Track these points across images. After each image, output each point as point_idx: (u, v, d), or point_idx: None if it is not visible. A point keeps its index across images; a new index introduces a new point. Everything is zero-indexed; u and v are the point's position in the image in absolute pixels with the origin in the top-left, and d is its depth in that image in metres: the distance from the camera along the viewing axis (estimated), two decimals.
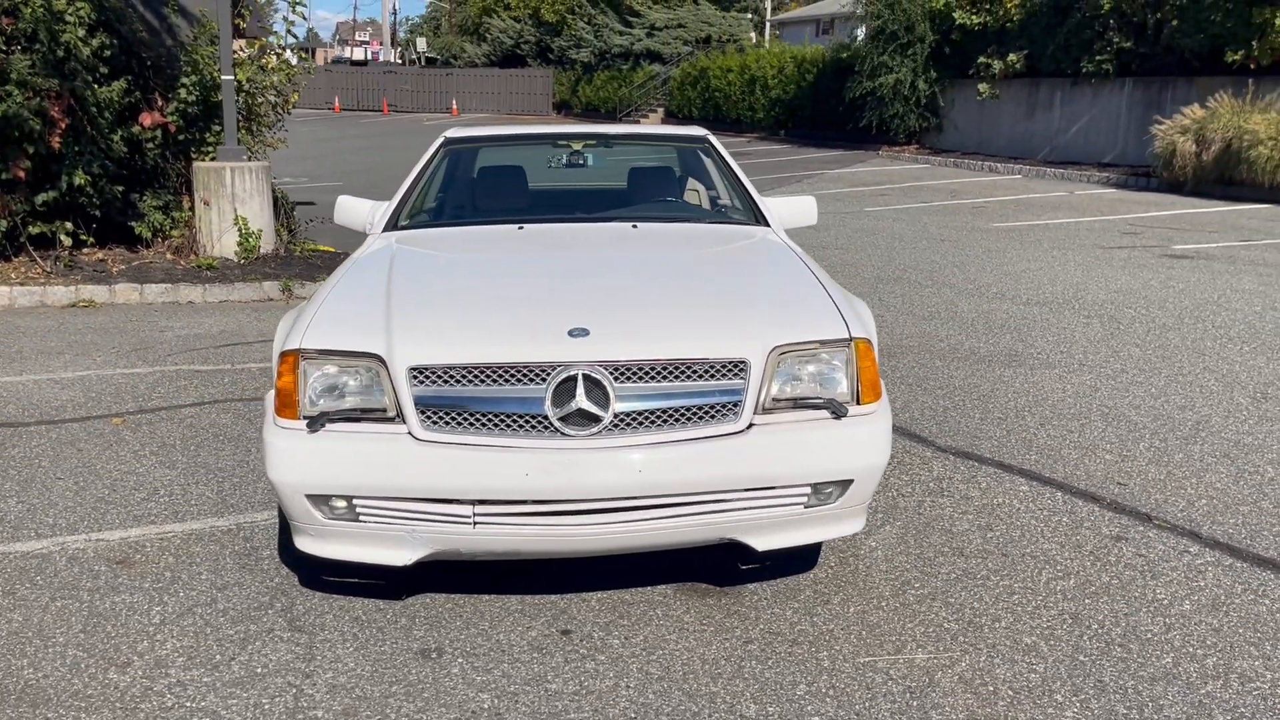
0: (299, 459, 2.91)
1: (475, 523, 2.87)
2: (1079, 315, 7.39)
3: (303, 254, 9.43)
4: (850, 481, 3.03)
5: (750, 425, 2.94)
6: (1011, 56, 20.06)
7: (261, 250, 9.11)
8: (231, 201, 8.92)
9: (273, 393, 3.07)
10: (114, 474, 4.36)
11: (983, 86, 21.02)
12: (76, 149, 8.23)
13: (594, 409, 2.85)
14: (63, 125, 8.06)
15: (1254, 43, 15.29)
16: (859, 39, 25.08)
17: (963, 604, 3.24)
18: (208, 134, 9.33)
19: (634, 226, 4.33)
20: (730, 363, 2.95)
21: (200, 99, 9.07)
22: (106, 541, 3.70)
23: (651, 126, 6.45)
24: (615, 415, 2.86)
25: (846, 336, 3.08)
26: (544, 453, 2.82)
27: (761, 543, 3.04)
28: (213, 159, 9.10)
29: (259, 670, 2.87)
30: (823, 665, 2.90)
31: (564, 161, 5.32)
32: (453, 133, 5.10)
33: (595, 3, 41.02)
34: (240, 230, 8.93)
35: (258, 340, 6.81)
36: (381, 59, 66.33)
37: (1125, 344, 6.56)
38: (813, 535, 3.13)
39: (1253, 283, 8.55)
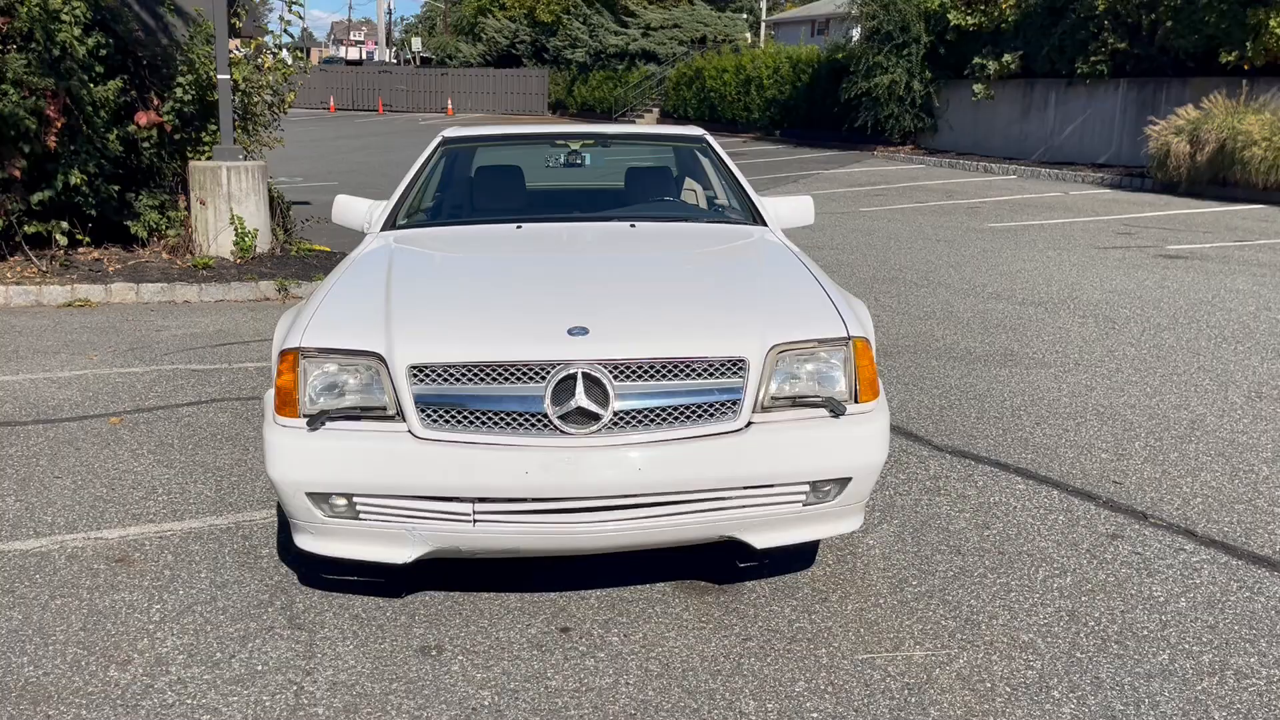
0: (299, 457, 2.92)
1: (475, 521, 2.88)
2: (1074, 315, 7.42)
3: (298, 253, 9.43)
4: (848, 480, 3.04)
5: (749, 424, 2.95)
6: (1006, 57, 20.11)
7: (257, 250, 9.11)
8: (227, 201, 8.92)
9: (272, 391, 3.07)
10: (112, 473, 4.37)
11: (978, 87, 21.07)
12: (72, 148, 8.23)
13: (593, 407, 2.86)
14: (58, 124, 8.06)
15: (1248, 44, 15.35)
16: (854, 39, 25.11)
17: (960, 601, 3.26)
18: (204, 133, 9.33)
19: (632, 226, 4.35)
20: (729, 361, 2.97)
21: (196, 98, 9.06)
22: (105, 540, 3.70)
23: (649, 126, 6.46)
24: (615, 413, 2.87)
25: (845, 335, 3.10)
26: (544, 451, 2.83)
27: (760, 540, 3.05)
28: (209, 158, 9.09)
29: (259, 667, 2.87)
30: (821, 662, 2.92)
31: (562, 161, 5.33)
32: (451, 132, 5.10)
33: (590, 3, 41.03)
34: (236, 230, 8.93)
35: (254, 339, 6.81)
36: (376, 59, 66.23)
37: (1120, 344, 6.59)
38: (811, 533, 3.14)
39: (1247, 283, 8.58)
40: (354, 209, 4.67)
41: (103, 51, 8.36)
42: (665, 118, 34.91)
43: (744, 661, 2.92)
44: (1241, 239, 11.02)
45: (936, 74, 21.96)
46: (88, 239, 8.81)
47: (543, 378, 2.88)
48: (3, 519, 3.88)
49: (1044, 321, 7.22)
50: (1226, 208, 13.50)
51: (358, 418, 2.96)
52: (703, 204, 5.18)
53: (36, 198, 8.22)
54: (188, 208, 9.12)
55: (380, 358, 2.96)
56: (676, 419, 2.92)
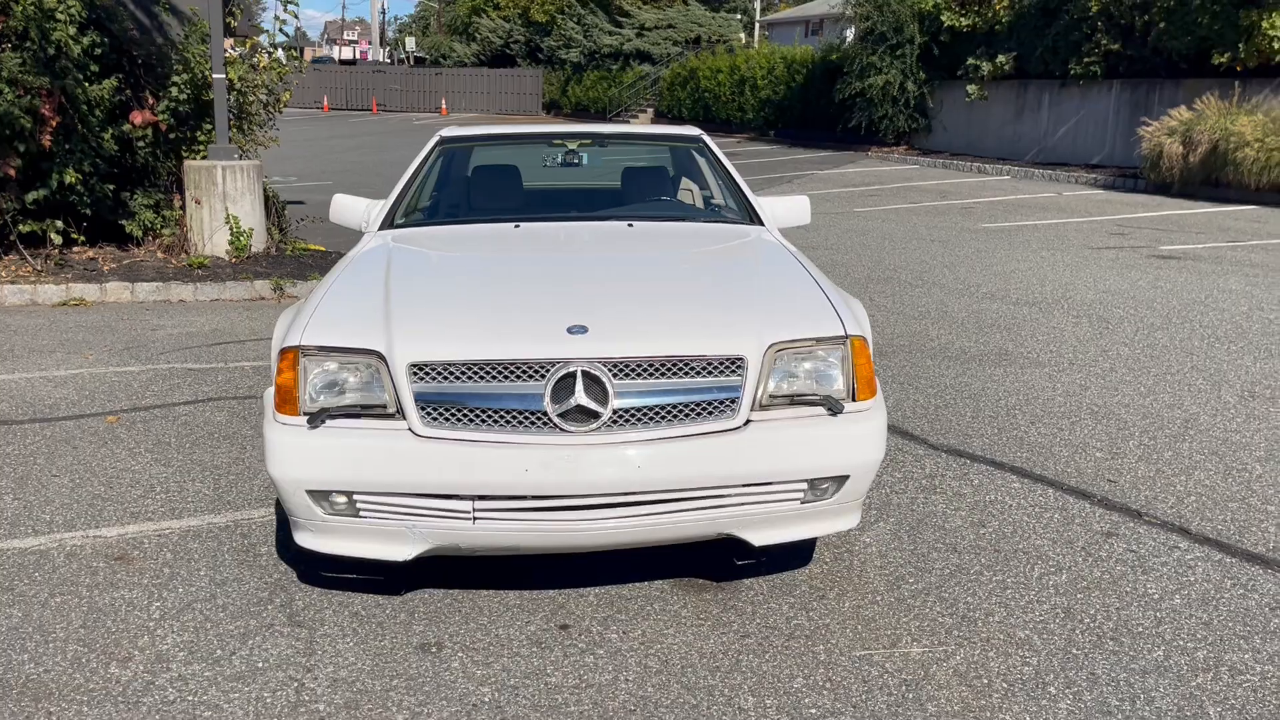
0: (299, 454, 2.93)
1: (475, 518, 2.90)
2: (1068, 315, 7.45)
3: (294, 253, 9.43)
4: (846, 477, 3.06)
5: (747, 422, 2.97)
6: (1000, 58, 20.16)
7: (253, 249, 9.10)
8: (223, 200, 8.91)
9: (272, 389, 3.08)
10: (110, 471, 4.37)
11: (971, 88, 21.12)
12: (67, 147, 8.22)
13: (593, 405, 2.87)
14: (53, 123, 8.05)
15: (1241, 45, 15.41)
16: (848, 40, 25.16)
17: (957, 599, 3.28)
18: (199, 132, 9.33)
19: (630, 225, 4.36)
20: (728, 360, 2.98)
21: (191, 97, 9.06)
22: (104, 538, 3.71)
23: (646, 126, 6.47)
24: (614, 411, 2.89)
25: (842, 334, 3.12)
26: (543, 449, 2.85)
27: (758, 538, 3.07)
28: (204, 158, 9.09)
29: (260, 665, 2.88)
30: (819, 659, 2.93)
31: (559, 161, 5.34)
32: (448, 132, 5.11)
33: (585, 3, 41.04)
34: (231, 229, 8.92)
35: (250, 339, 6.81)
36: (370, 58, 66.16)
37: (1114, 343, 6.62)
38: (809, 531, 3.16)
39: (1239, 283, 8.63)
40: (352, 208, 4.67)
41: (98, 50, 8.35)
42: (660, 118, 34.93)
43: (742, 658, 2.94)
44: (1234, 240, 11.07)
45: (930, 75, 22.00)
46: (83, 238, 8.80)
47: (542, 376, 2.89)
48: (1, 517, 3.88)
49: (1038, 321, 7.25)
50: (1219, 208, 13.56)
51: (358, 415, 2.97)
52: (699, 204, 5.20)
53: (31, 197, 8.21)
54: (183, 207, 9.11)
55: (380, 356, 2.97)
56: (675, 417, 2.93)
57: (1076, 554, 3.60)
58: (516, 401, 2.89)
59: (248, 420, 5.06)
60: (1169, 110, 15.59)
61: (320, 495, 2.94)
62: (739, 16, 39.24)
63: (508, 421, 2.89)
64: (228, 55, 9.32)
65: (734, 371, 2.98)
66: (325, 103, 45.39)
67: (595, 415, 2.88)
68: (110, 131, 8.58)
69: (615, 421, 2.89)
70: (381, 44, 67.46)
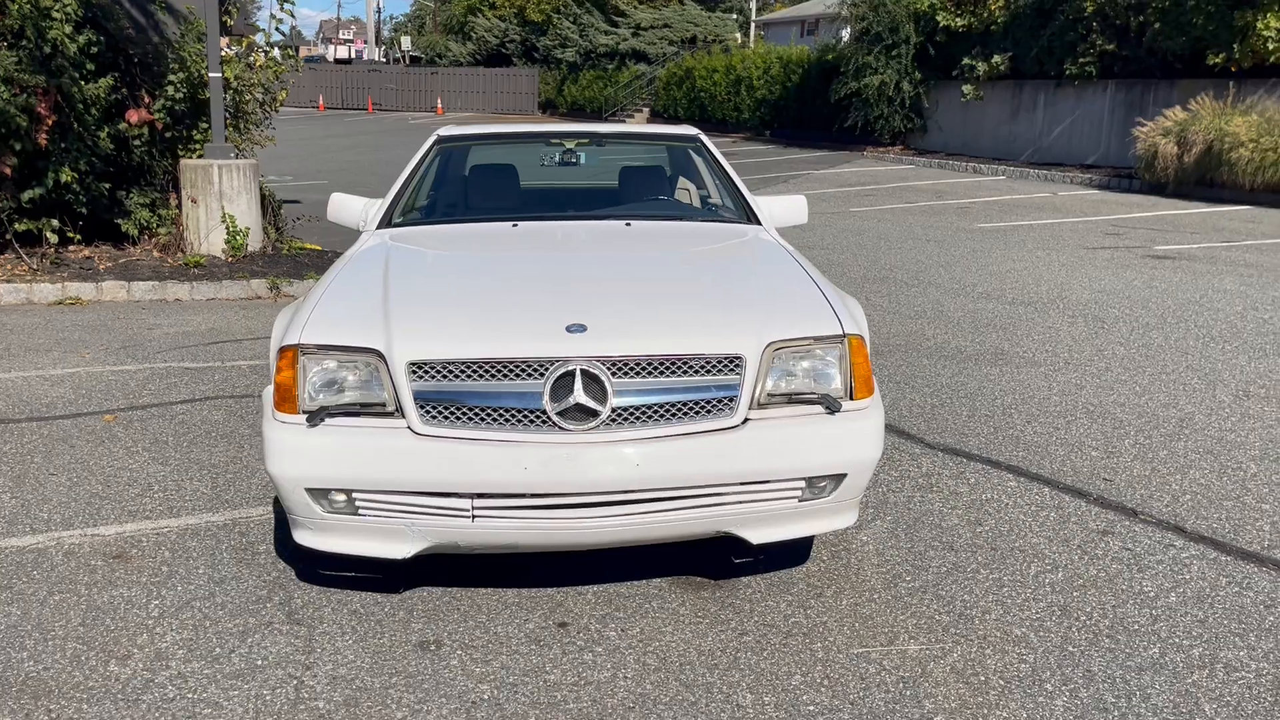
0: (299, 453, 2.93)
1: (474, 516, 2.90)
2: (1064, 315, 7.47)
3: (290, 252, 9.43)
4: (844, 476, 3.07)
5: (746, 420, 2.98)
6: (995, 58, 20.20)
7: (249, 248, 9.10)
8: (219, 199, 8.91)
9: (271, 388, 3.08)
10: (107, 470, 4.37)
11: (967, 88, 21.15)
12: (63, 146, 8.21)
13: (592, 404, 2.88)
14: (49, 122, 8.04)
15: (1235, 45, 15.46)
16: (844, 40, 25.18)
17: (953, 597, 3.29)
18: (195, 131, 9.32)
19: (627, 224, 4.37)
20: (726, 358, 2.99)
21: (187, 96, 9.05)
22: (102, 536, 3.71)
23: (643, 126, 6.47)
24: (613, 410, 2.90)
25: (840, 333, 3.13)
26: (542, 447, 2.86)
27: (756, 536, 3.08)
28: (200, 156, 9.08)
29: (259, 662, 2.89)
30: (817, 656, 2.95)
31: (556, 160, 5.35)
32: (445, 131, 5.12)
33: (581, 2, 41.02)
34: (228, 228, 8.92)
35: (246, 338, 6.81)
36: (365, 57, 66.11)
37: (1109, 343, 6.64)
38: (806, 529, 3.17)
39: (1234, 283, 8.66)
40: (349, 207, 4.68)
41: (94, 49, 8.34)
42: (655, 117, 34.93)
43: (740, 655, 2.95)
44: (1229, 240, 11.10)
45: (926, 75, 22.03)
46: (79, 237, 8.79)
47: (541, 374, 2.90)
48: None
49: (1034, 321, 7.27)
50: (1214, 209, 13.60)
51: (357, 414, 2.97)
52: (696, 203, 5.21)
53: (27, 195, 8.19)
54: (179, 206, 9.10)
55: (379, 354, 2.97)
56: (674, 415, 2.94)
57: (1073, 552, 3.62)
58: (515, 400, 2.90)
59: (245, 419, 5.06)
60: (1164, 110, 15.63)
61: (319, 493, 2.95)
62: (735, 16, 39.26)
63: (506, 420, 2.90)
64: (224, 54, 9.31)
65: (732, 370, 2.99)
66: (320, 102, 45.35)
67: (594, 414, 2.89)
68: (106, 130, 8.57)
69: (614, 420, 2.90)
70: (377, 43, 67.35)
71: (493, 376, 2.91)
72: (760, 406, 3.02)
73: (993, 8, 20.03)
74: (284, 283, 8.35)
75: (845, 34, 25.23)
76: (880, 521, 3.87)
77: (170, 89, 8.92)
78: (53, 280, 8.04)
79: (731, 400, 2.98)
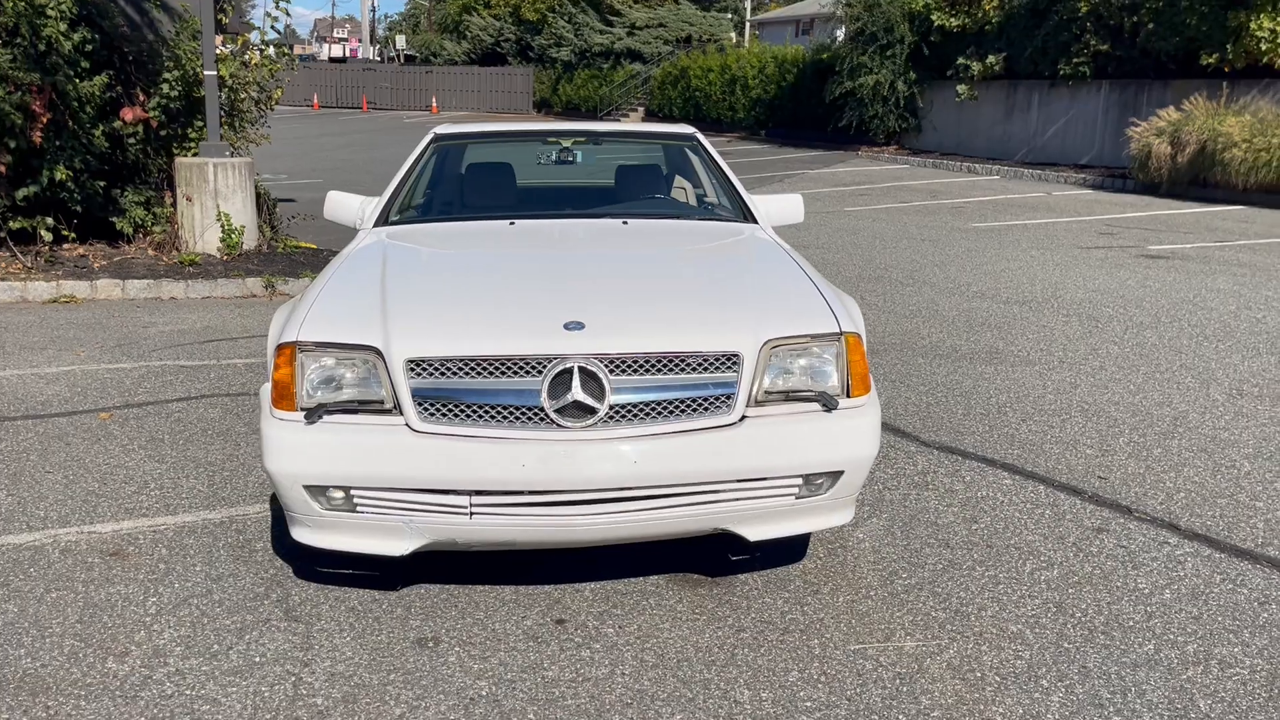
0: (297, 450, 2.94)
1: (472, 513, 2.91)
2: (1058, 314, 7.49)
3: (285, 250, 9.42)
4: (841, 473, 3.08)
5: (743, 418, 2.99)
6: (990, 58, 20.24)
7: (244, 246, 9.09)
8: (214, 197, 8.89)
9: (269, 385, 3.09)
10: (103, 468, 4.37)
11: (961, 88, 21.19)
12: (58, 143, 8.19)
13: (590, 401, 2.89)
14: (44, 120, 8.02)
15: (1228, 46, 15.51)
16: (839, 40, 25.21)
17: (949, 594, 3.31)
18: (190, 129, 9.30)
19: (624, 223, 4.37)
20: (723, 356, 3.00)
21: (182, 94, 9.04)
22: (99, 534, 3.71)
23: (640, 124, 6.48)
24: (610, 407, 2.90)
25: (837, 330, 3.14)
26: (540, 444, 2.86)
27: (753, 533, 3.09)
28: (195, 155, 9.07)
29: (257, 659, 2.89)
30: (814, 653, 2.96)
31: (553, 158, 5.35)
32: (442, 129, 5.12)
33: (576, 1, 41.01)
34: (223, 226, 8.90)
35: (242, 336, 6.80)
36: (360, 56, 66.02)
37: (1104, 342, 6.67)
38: (803, 526, 3.18)
39: (1227, 282, 8.69)
40: (346, 205, 4.68)
41: (88, 47, 8.32)
42: (650, 117, 34.94)
43: (738, 652, 2.96)
44: (1222, 239, 11.14)
45: (921, 75, 22.07)
46: (73, 235, 8.77)
47: (539, 372, 2.91)
48: None
49: (1028, 320, 7.29)
50: (1207, 209, 13.64)
51: (355, 411, 2.98)
52: (693, 202, 5.21)
53: (21, 193, 8.18)
54: (174, 204, 9.09)
55: (378, 352, 2.98)
56: (671, 413, 2.95)
57: (1068, 549, 3.63)
58: (513, 397, 2.91)
59: (241, 417, 5.06)
60: (1157, 111, 15.68)
61: (317, 490, 2.95)
62: (730, 16, 39.27)
63: (504, 417, 2.90)
64: (219, 52, 9.30)
65: (730, 368, 3.00)
66: (315, 100, 45.29)
67: (592, 411, 2.89)
68: (101, 128, 8.55)
69: (611, 417, 2.91)
70: (372, 42, 67.31)
71: (491, 374, 2.92)
72: (757, 404, 3.02)
73: (987, 8, 20.07)
74: (279, 281, 8.34)
75: (840, 34, 25.24)
76: (876, 519, 3.88)
77: (165, 87, 8.91)
78: (47, 278, 8.02)
79: (729, 398, 2.99)
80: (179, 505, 3.98)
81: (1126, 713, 2.68)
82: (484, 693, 2.75)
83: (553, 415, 2.89)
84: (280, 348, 3.06)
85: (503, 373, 2.92)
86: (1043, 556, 3.58)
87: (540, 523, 2.92)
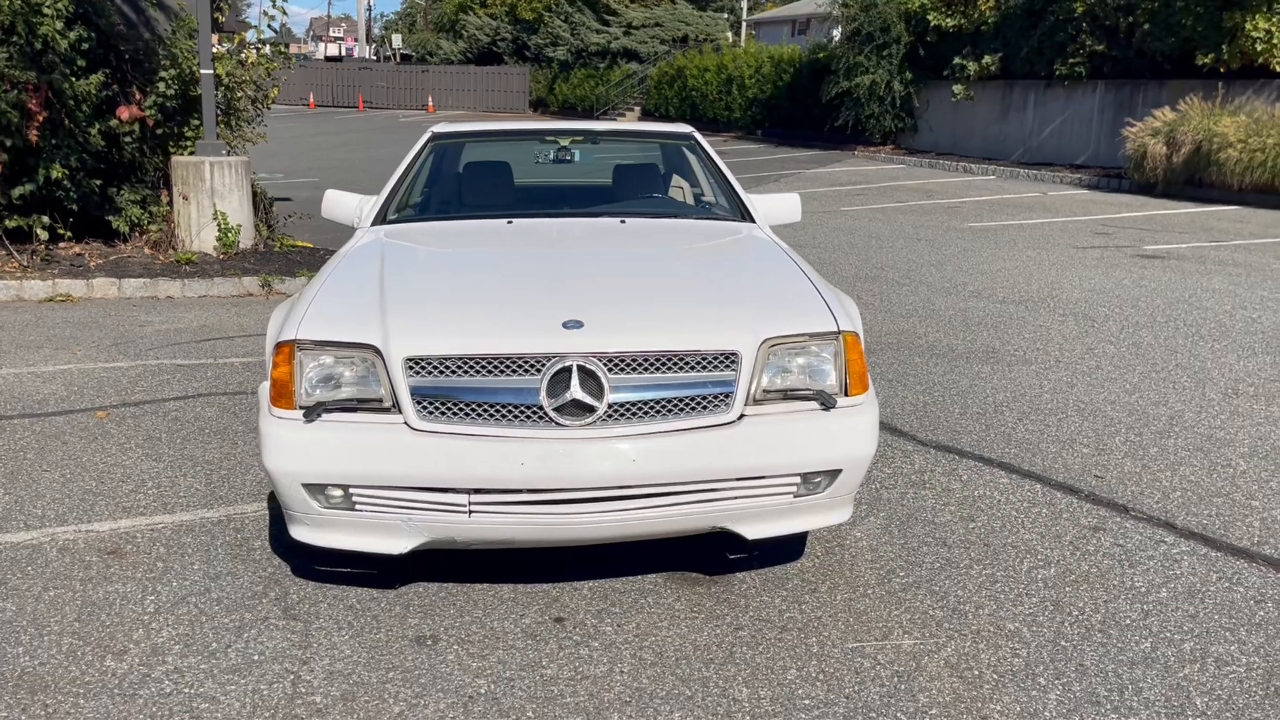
0: (296, 448, 2.94)
1: (471, 511, 2.91)
2: (1054, 313, 7.51)
3: (281, 249, 9.41)
4: (839, 471, 3.09)
5: (741, 416, 3.00)
6: (986, 59, 20.27)
7: (240, 245, 9.08)
8: (210, 196, 8.88)
9: (267, 384, 3.09)
10: (100, 466, 4.36)
11: (958, 88, 21.22)
12: (54, 142, 8.18)
13: (588, 400, 2.89)
14: (40, 118, 8.00)
15: (1224, 46, 15.54)
16: (835, 40, 25.23)
17: (947, 592, 3.31)
18: (186, 128, 9.29)
19: (622, 221, 4.38)
20: (722, 355, 3.01)
21: (179, 93, 9.03)
22: (96, 532, 3.70)
23: (637, 123, 6.46)
24: (609, 406, 2.91)
25: (835, 329, 3.14)
26: (539, 442, 2.87)
27: (752, 531, 3.09)
28: (191, 153, 9.05)
29: (256, 657, 2.89)
30: (812, 651, 2.96)
31: (551, 157, 5.36)
32: (440, 128, 5.12)
33: (572, 1, 41.00)
34: (219, 225, 8.89)
35: (239, 335, 6.79)
36: (356, 55, 65.95)
37: (1100, 341, 6.68)
38: (802, 524, 3.19)
39: (1222, 282, 8.71)
40: (343, 204, 4.68)
41: (85, 45, 8.30)
42: (646, 116, 34.95)
43: (736, 650, 2.96)
44: (1217, 239, 11.17)
45: (917, 75, 22.10)
46: (69, 234, 8.76)
47: (538, 370, 2.91)
48: None
49: (1024, 319, 7.30)
50: (1202, 209, 13.67)
51: (354, 409, 2.98)
52: (690, 201, 5.22)
53: (17, 192, 8.16)
54: (170, 203, 9.08)
55: (376, 350, 2.98)
56: (670, 411, 2.96)
57: (1064, 548, 3.64)
58: (512, 396, 2.91)
59: (238, 416, 5.05)
60: (1153, 111, 15.71)
61: (316, 489, 2.95)
62: (726, 15, 39.29)
63: (503, 415, 2.91)
64: (215, 51, 9.28)
65: (728, 366, 3.00)
66: (311, 99, 45.25)
67: (590, 409, 2.90)
68: (97, 126, 8.53)
69: (610, 416, 2.91)
70: (367, 41, 67.21)
71: (489, 372, 2.92)
72: (756, 402, 3.03)
73: (983, 8, 20.10)
74: (276, 280, 8.33)
75: (836, 34, 25.27)
76: (874, 518, 3.89)
77: (162, 85, 8.89)
78: (43, 277, 8.01)
79: (727, 396, 2.99)
80: (176, 504, 3.98)
81: (1123, 710, 2.69)
82: (483, 691, 2.75)
83: (551, 414, 2.89)
84: (279, 346, 3.06)
85: (501, 371, 2.92)
86: (1040, 555, 3.59)
87: (539, 521, 2.92)
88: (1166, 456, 4.57)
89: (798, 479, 3.05)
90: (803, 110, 25.72)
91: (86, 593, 3.25)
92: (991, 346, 6.53)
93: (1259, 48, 15.10)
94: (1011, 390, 5.57)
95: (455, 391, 2.92)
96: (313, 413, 2.95)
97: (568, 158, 5.32)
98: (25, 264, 8.27)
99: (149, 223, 9.08)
